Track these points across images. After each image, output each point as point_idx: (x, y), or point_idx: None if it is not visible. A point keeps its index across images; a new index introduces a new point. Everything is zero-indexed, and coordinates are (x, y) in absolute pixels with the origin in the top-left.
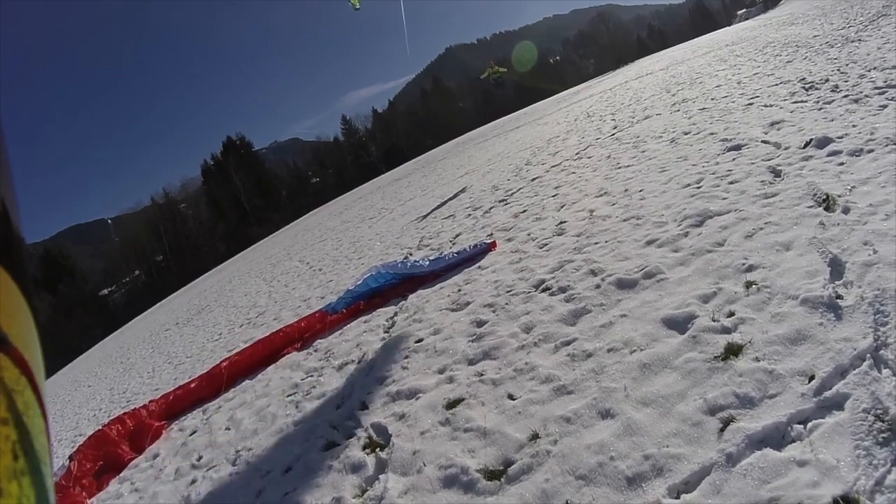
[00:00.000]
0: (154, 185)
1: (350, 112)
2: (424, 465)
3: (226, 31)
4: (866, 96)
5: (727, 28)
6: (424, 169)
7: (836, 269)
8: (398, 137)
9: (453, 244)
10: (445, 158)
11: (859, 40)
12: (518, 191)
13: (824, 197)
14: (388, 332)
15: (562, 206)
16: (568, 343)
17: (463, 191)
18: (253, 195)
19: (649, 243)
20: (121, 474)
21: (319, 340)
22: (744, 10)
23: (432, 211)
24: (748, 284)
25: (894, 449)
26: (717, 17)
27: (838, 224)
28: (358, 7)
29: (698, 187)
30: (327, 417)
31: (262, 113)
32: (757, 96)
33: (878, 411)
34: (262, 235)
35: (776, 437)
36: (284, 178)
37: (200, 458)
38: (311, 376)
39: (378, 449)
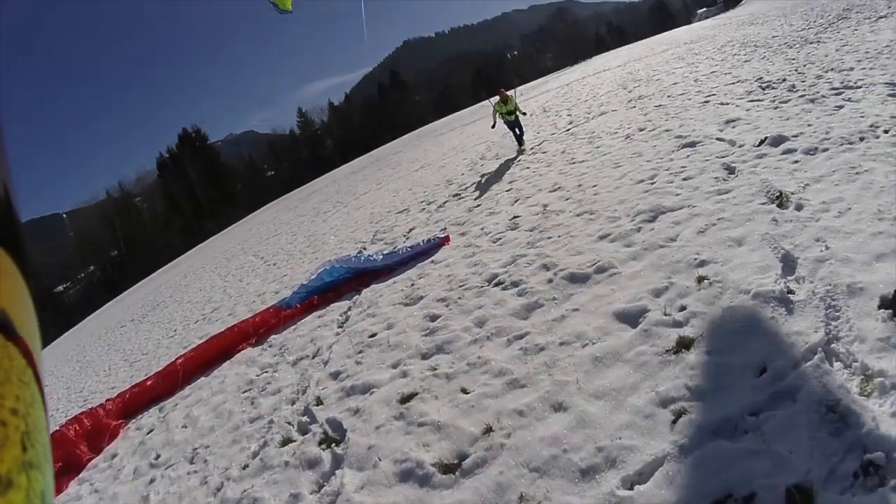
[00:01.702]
0: (109, 178)
1: (306, 104)
2: (380, 459)
3: (181, 20)
4: (823, 97)
5: (687, 26)
6: (380, 163)
7: (789, 264)
8: (354, 131)
9: (407, 238)
10: (401, 152)
11: (818, 42)
12: (472, 185)
13: (777, 194)
14: (342, 327)
15: (515, 201)
16: (520, 337)
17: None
18: (208, 188)
19: (602, 238)
20: (80, 475)
21: (274, 336)
22: (704, 8)
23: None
24: (700, 279)
25: (847, 439)
26: (677, 15)
27: (791, 221)
28: (288, 10)
29: (652, 183)
30: (283, 413)
31: (217, 104)
32: (713, 94)
33: (830, 403)
34: (217, 229)
35: (729, 429)
36: (239, 171)
37: (158, 456)
38: (266, 372)
39: (334, 444)
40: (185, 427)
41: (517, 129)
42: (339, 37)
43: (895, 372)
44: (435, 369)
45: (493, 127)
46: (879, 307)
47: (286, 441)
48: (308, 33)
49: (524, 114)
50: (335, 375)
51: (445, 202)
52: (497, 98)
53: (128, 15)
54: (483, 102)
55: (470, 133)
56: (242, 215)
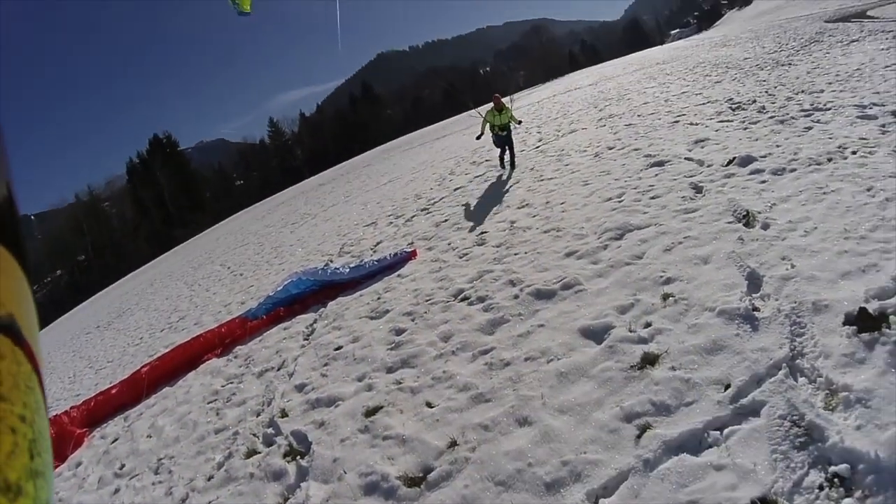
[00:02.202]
0: (79, 181)
1: (278, 114)
2: (345, 472)
3: (157, 26)
4: (792, 118)
5: (660, 46)
6: (349, 175)
7: (754, 282)
8: (325, 142)
9: (374, 252)
10: (370, 165)
11: (790, 64)
12: (441, 200)
13: (744, 213)
14: (307, 339)
15: (483, 217)
16: (486, 352)
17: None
18: (177, 195)
19: (569, 255)
20: None
21: (240, 347)
22: (677, 29)
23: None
24: (665, 296)
25: (812, 452)
26: (651, 35)
27: (757, 239)
28: (247, 11)
29: (620, 201)
30: (248, 425)
31: (189, 111)
32: (683, 114)
33: (795, 417)
34: (186, 237)
35: (693, 443)
36: (209, 179)
37: (123, 466)
38: (232, 383)
39: (299, 457)
40: (150, 437)
41: (508, 147)
42: (314, 48)
43: (860, 386)
44: (400, 383)
45: (479, 138)
46: (844, 324)
47: (251, 453)
48: (282, 43)
49: (519, 122)
50: (300, 388)
51: (413, 216)
52: (490, 106)
53: (101, 17)
54: (471, 112)
55: (440, 148)
56: (211, 224)
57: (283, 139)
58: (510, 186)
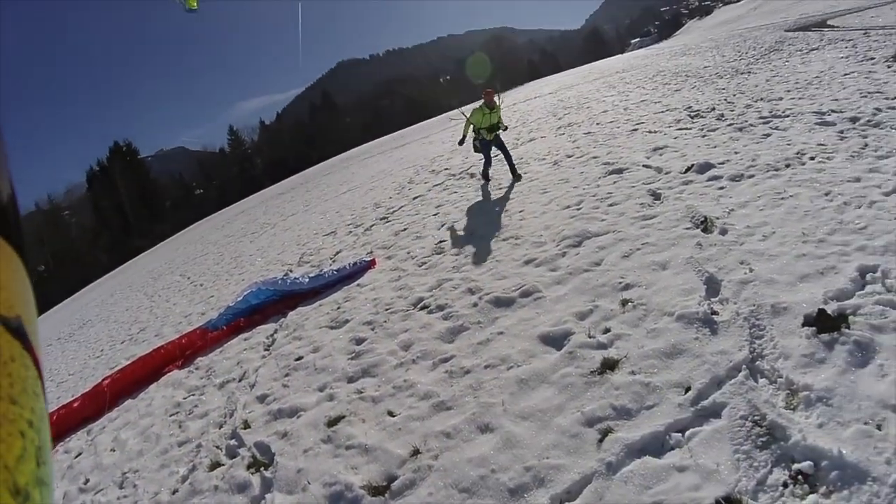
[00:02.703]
0: (39, 189)
1: (238, 123)
2: (309, 483)
3: (117, 32)
4: (751, 125)
5: (620, 56)
6: (308, 184)
7: (712, 286)
8: (284, 151)
9: (333, 261)
10: (330, 174)
11: (749, 72)
12: (400, 209)
13: (702, 219)
14: (268, 350)
15: (442, 225)
16: (446, 360)
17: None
18: (137, 205)
19: (527, 263)
20: None
21: (200, 358)
22: (637, 38)
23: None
24: (624, 302)
25: (774, 451)
26: (611, 44)
27: (716, 245)
28: (194, 7)
29: (578, 209)
30: (211, 437)
31: (149, 119)
32: (642, 122)
33: (756, 417)
34: (145, 247)
35: (655, 446)
36: (169, 188)
37: (87, 481)
38: (193, 395)
39: (263, 468)
40: (114, 450)
41: (502, 151)
42: (275, 55)
43: (821, 385)
44: (361, 392)
45: (461, 143)
46: (804, 325)
47: (215, 465)
48: (243, 50)
49: (505, 128)
50: (262, 398)
51: (372, 225)
52: (478, 104)
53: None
54: (451, 112)
55: (399, 157)
56: (170, 233)
57: (243, 148)
58: (469, 195)
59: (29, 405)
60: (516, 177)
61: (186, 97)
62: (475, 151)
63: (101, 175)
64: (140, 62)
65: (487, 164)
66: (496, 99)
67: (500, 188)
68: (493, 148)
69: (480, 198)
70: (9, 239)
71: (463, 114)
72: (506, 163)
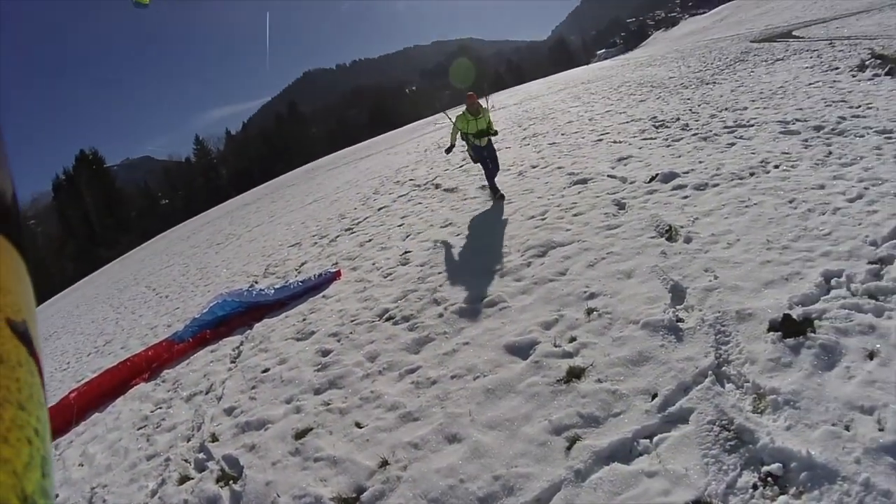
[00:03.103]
0: None
1: (204, 132)
2: (279, 496)
3: (82, 36)
4: (715, 135)
5: (585, 66)
6: (273, 195)
7: (677, 294)
8: (250, 161)
9: (299, 272)
10: (295, 185)
11: (714, 83)
12: (365, 220)
13: (667, 228)
14: (234, 362)
15: (407, 236)
16: (412, 371)
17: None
18: (103, 214)
19: (492, 273)
20: None
21: (167, 370)
22: (603, 49)
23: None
24: (589, 311)
25: (743, 454)
26: (577, 55)
27: (680, 253)
28: (145, 3)
29: (543, 219)
30: (179, 450)
31: (116, 126)
32: (607, 133)
33: (724, 422)
34: (111, 257)
35: (623, 452)
36: (135, 197)
37: (56, 496)
38: (161, 408)
39: (231, 481)
40: (82, 465)
41: (489, 162)
42: (242, 65)
43: (788, 389)
44: (328, 404)
45: (448, 151)
46: (769, 330)
47: (184, 479)
48: (211, 59)
49: (495, 133)
50: (229, 411)
51: (338, 236)
52: (464, 107)
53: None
54: (436, 116)
55: (364, 167)
56: (136, 244)
57: (209, 157)
58: (434, 205)
59: (35, 413)
60: (494, 192)
61: (153, 105)
62: (473, 160)
63: (66, 184)
64: (107, 70)
65: (487, 171)
66: (482, 102)
67: (465, 199)
68: (483, 155)
69: (445, 208)
70: (11, 238)
71: (449, 118)
72: (490, 174)
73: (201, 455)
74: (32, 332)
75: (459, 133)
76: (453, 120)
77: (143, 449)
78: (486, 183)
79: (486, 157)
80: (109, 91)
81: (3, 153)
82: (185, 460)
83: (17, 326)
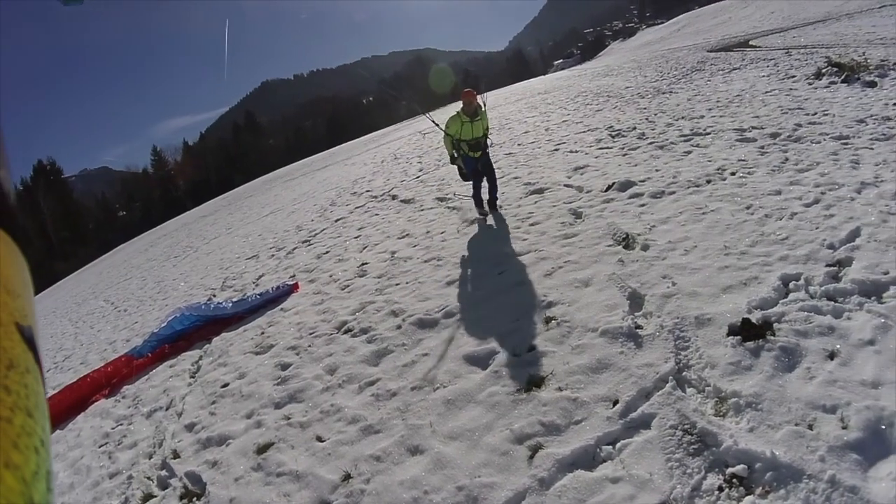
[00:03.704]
0: None
1: (162, 142)
2: None
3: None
4: (672, 143)
5: (542, 77)
6: (231, 207)
7: (636, 301)
8: (207, 172)
9: (256, 285)
10: (252, 196)
11: (671, 92)
12: (322, 231)
13: (624, 236)
14: (194, 377)
15: (364, 248)
16: (372, 383)
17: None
18: (60, 226)
19: (450, 283)
20: None
21: (127, 386)
22: (560, 60)
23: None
24: (548, 320)
25: (707, 457)
26: (534, 66)
27: (637, 260)
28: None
29: (499, 229)
30: (141, 468)
31: (74, 136)
32: (563, 142)
33: (686, 426)
34: (68, 271)
35: (587, 459)
36: (92, 209)
37: None
38: (122, 424)
39: (195, 498)
40: None
41: (488, 178)
42: (201, 74)
43: (749, 392)
44: (289, 418)
45: (454, 161)
46: (728, 335)
47: (147, 497)
48: (169, 68)
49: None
50: (190, 427)
51: (295, 248)
52: (457, 109)
53: None
54: (415, 119)
55: (321, 178)
56: (94, 257)
57: (166, 168)
58: (391, 217)
59: (41, 422)
60: (493, 208)
61: (112, 114)
62: (460, 175)
63: (24, 194)
64: (65, 77)
65: (476, 188)
66: (480, 101)
67: (422, 210)
68: (478, 169)
69: (402, 220)
70: (16, 239)
71: (435, 124)
72: (488, 190)
73: (164, 472)
74: (37, 338)
75: (453, 140)
76: (440, 124)
77: (106, 467)
78: (475, 198)
79: (481, 173)
80: (67, 99)
81: (3, 152)
82: (148, 478)
83: (24, 332)
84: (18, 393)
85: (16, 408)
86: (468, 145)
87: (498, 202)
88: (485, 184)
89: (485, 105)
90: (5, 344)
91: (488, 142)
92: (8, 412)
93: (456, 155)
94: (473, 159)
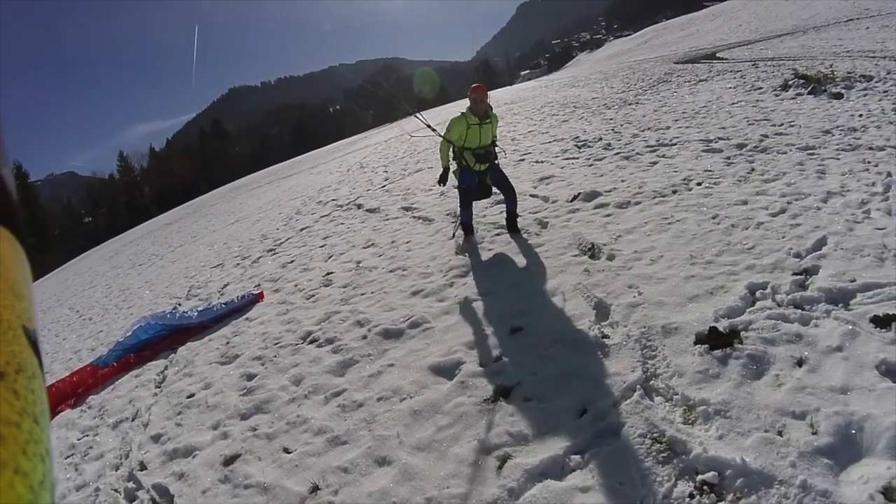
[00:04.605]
0: None
1: (129, 148)
2: None
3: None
4: (638, 154)
5: (509, 87)
6: (196, 214)
7: (602, 311)
8: (173, 178)
9: (222, 294)
10: (217, 204)
11: (637, 103)
12: (287, 240)
13: (590, 246)
14: (159, 387)
15: (329, 257)
16: (338, 394)
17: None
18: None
19: (415, 294)
20: None
21: (92, 396)
22: (527, 70)
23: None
24: (514, 330)
25: (676, 465)
26: (501, 76)
27: (603, 270)
28: None
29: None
30: (108, 480)
31: (40, 139)
32: (529, 153)
33: (655, 434)
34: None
35: (556, 469)
36: (58, 215)
37: None
38: (87, 436)
39: None
40: None
41: (501, 188)
42: (169, 80)
43: (717, 399)
44: (255, 429)
45: (443, 181)
46: (696, 343)
47: None
48: (137, 72)
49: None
50: (156, 438)
51: (260, 257)
52: (464, 110)
53: None
54: (403, 122)
55: (287, 187)
56: (58, 264)
57: (132, 174)
58: (356, 226)
59: (46, 430)
60: (513, 228)
61: (78, 118)
62: (465, 193)
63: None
64: (31, 79)
65: (469, 200)
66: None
67: (387, 219)
68: (487, 183)
69: (367, 229)
70: (19, 238)
71: (426, 123)
72: (505, 205)
73: (131, 484)
74: (40, 342)
75: (452, 149)
76: (437, 128)
77: (73, 479)
78: (464, 224)
79: (480, 192)
80: (34, 101)
81: (3, 151)
82: (115, 490)
83: (30, 335)
84: (27, 398)
85: (24, 413)
86: (475, 156)
87: (518, 219)
88: (484, 203)
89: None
90: (14, 347)
91: (497, 150)
92: (17, 417)
93: (454, 168)
94: (476, 173)
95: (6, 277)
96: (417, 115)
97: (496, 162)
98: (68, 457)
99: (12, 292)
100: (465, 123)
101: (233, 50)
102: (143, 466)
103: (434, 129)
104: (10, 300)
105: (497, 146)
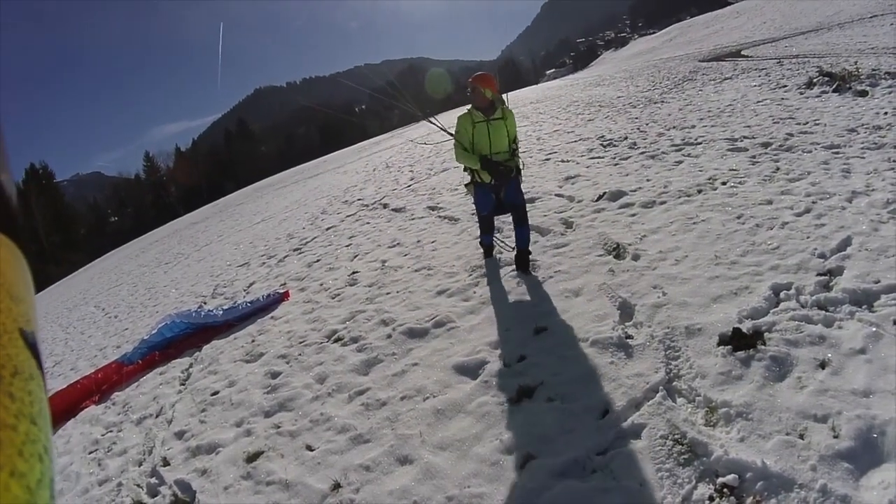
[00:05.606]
0: None
1: (154, 148)
2: None
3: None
4: (663, 153)
5: (534, 86)
6: (222, 213)
7: (626, 311)
8: (199, 178)
9: (247, 293)
10: (243, 203)
11: (662, 101)
12: (313, 240)
13: (614, 246)
14: (184, 385)
15: (355, 256)
16: (362, 392)
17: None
18: (52, 231)
19: (440, 293)
20: None
21: (117, 393)
22: (553, 69)
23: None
24: (538, 330)
25: (697, 467)
26: (526, 75)
27: (628, 270)
28: None
29: None
30: (131, 475)
31: (67, 140)
32: (555, 152)
33: (677, 436)
34: (60, 276)
35: (577, 470)
36: (84, 215)
37: None
38: (111, 431)
39: None
40: None
41: (513, 212)
42: (194, 81)
43: (739, 401)
44: (279, 427)
45: (469, 185)
46: (719, 344)
47: None
48: (163, 74)
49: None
50: (180, 435)
51: (286, 256)
52: (469, 107)
53: None
54: (414, 127)
55: (312, 186)
56: (84, 262)
57: (158, 174)
58: (382, 225)
59: (44, 430)
60: (523, 266)
61: (104, 119)
62: (481, 207)
63: (17, 198)
64: (58, 81)
65: (489, 224)
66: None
67: (413, 219)
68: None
69: (393, 228)
70: (18, 243)
71: (439, 126)
72: (514, 232)
73: (153, 480)
74: (39, 344)
75: (465, 153)
76: (457, 134)
77: (95, 474)
78: (484, 243)
79: (499, 206)
80: (60, 102)
81: (4, 156)
82: (138, 485)
83: (28, 337)
84: (23, 400)
85: (20, 415)
86: (487, 167)
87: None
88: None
89: (507, 102)
90: (10, 351)
91: (519, 162)
92: (13, 419)
93: (472, 178)
94: (489, 185)
95: (2, 282)
96: (430, 119)
97: (518, 179)
98: (91, 452)
99: (9, 296)
100: (469, 120)
101: (259, 51)
102: (165, 462)
103: (450, 133)
104: (6, 304)
105: (518, 157)
